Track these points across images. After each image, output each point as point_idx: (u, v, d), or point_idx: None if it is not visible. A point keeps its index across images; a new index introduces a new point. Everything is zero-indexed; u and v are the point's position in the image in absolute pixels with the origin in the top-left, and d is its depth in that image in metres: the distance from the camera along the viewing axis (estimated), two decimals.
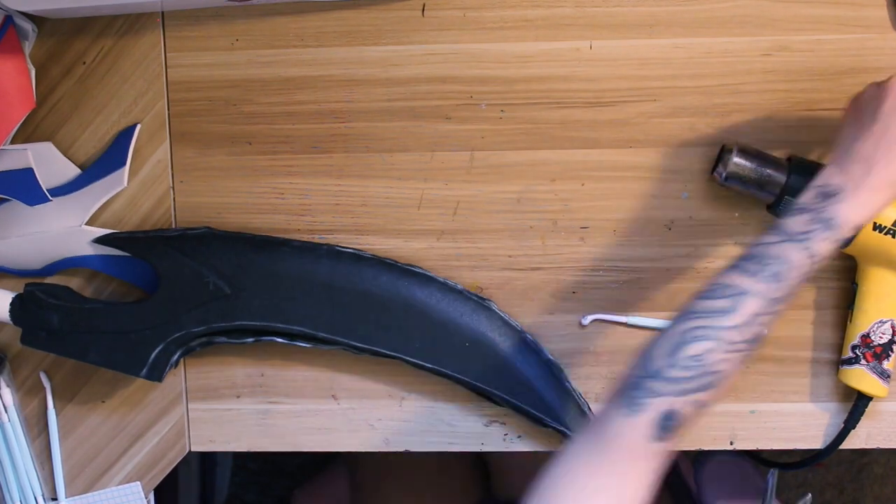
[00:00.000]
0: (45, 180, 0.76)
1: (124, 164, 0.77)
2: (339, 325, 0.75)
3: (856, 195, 0.58)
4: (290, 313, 0.75)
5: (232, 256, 0.74)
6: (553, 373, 0.75)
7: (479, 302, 0.76)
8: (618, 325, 0.79)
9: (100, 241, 0.76)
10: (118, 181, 0.77)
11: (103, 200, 0.77)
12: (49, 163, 0.78)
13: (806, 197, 0.59)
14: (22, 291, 0.76)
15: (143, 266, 0.78)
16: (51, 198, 0.74)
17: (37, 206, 0.76)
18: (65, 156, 0.79)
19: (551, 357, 0.75)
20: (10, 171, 0.75)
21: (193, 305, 0.74)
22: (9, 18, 0.74)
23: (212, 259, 0.74)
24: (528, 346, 0.75)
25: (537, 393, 0.74)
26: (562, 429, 0.75)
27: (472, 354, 0.74)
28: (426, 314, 0.74)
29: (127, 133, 0.79)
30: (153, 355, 0.75)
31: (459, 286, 0.76)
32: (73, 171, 0.79)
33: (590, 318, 0.78)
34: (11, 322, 0.76)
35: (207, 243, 0.74)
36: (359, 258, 0.76)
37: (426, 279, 0.75)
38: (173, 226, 0.80)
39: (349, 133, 0.78)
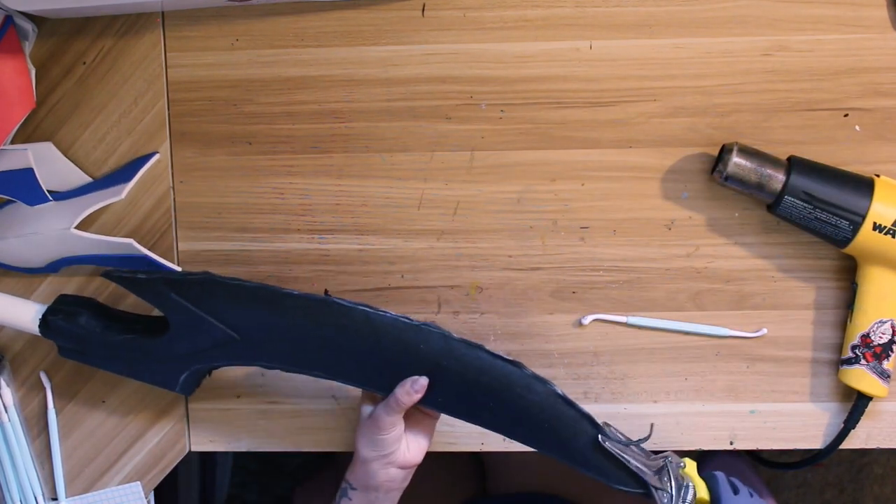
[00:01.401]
0: (45, 180, 0.76)
1: (129, 181, 0.77)
2: (358, 374, 0.71)
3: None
4: (305, 362, 0.72)
5: (234, 305, 0.71)
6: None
7: (506, 361, 0.70)
8: (618, 325, 0.79)
9: (104, 276, 0.74)
10: (117, 193, 0.76)
11: (96, 207, 0.76)
12: (49, 163, 0.79)
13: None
14: (51, 304, 0.76)
15: (141, 263, 0.78)
16: (50, 198, 0.74)
17: (33, 209, 0.76)
18: (65, 156, 0.79)
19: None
20: (11, 171, 0.75)
21: (207, 346, 0.72)
22: (9, 19, 0.74)
23: (214, 306, 0.71)
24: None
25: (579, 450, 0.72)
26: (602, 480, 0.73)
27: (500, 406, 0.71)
28: (443, 367, 0.70)
29: (144, 158, 0.79)
30: (182, 378, 0.75)
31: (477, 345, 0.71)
32: (73, 171, 0.79)
33: (590, 318, 0.78)
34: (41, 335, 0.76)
35: (209, 290, 0.71)
36: (366, 316, 0.69)
37: (440, 337, 0.69)
38: (173, 226, 0.80)
39: (349, 133, 0.78)
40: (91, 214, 0.78)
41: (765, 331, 0.78)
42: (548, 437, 0.70)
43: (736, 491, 0.72)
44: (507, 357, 0.69)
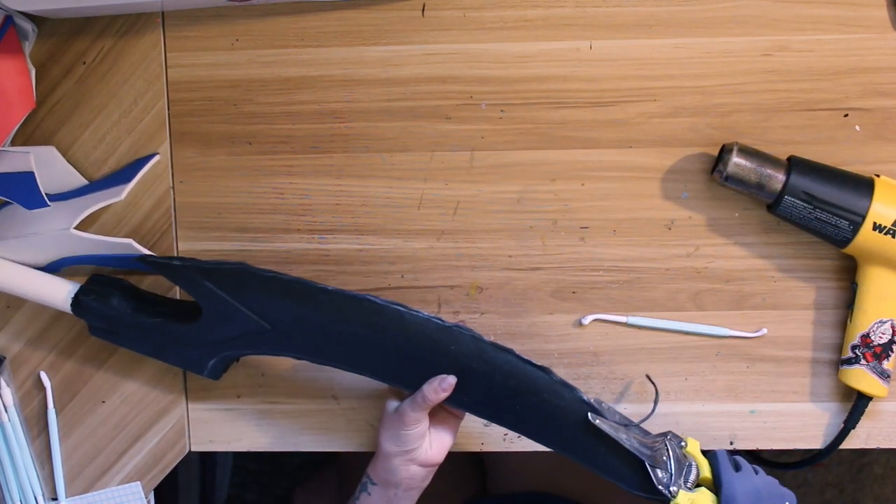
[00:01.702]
0: (46, 184, 0.76)
1: (129, 181, 0.77)
2: (387, 370, 0.72)
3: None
4: (335, 355, 0.72)
5: (267, 297, 0.72)
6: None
7: (534, 365, 0.71)
8: (618, 325, 0.79)
9: (137, 260, 0.76)
10: (116, 194, 0.77)
11: (96, 208, 0.76)
12: (51, 167, 0.78)
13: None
14: (84, 284, 0.77)
15: (129, 261, 0.78)
16: (49, 203, 0.74)
17: (32, 211, 0.76)
18: (64, 157, 0.79)
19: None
20: (11, 173, 0.75)
21: (238, 335, 0.73)
22: (9, 19, 0.74)
23: (248, 297, 0.72)
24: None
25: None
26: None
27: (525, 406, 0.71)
28: (472, 369, 0.70)
29: (144, 159, 0.79)
30: (210, 363, 0.75)
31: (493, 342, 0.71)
32: (73, 175, 0.79)
33: (590, 318, 0.78)
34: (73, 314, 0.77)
35: (243, 281, 0.72)
36: (399, 314, 0.70)
37: (471, 339, 0.70)
38: (173, 226, 0.80)
39: (349, 133, 0.78)
40: (91, 214, 0.78)
41: (765, 331, 0.78)
42: (572, 442, 0.71)
43: (738, 468, 0.71)
44: (536, 363, 0.70)
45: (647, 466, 0.69)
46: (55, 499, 0.84)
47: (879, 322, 0.73)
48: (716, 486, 0.71)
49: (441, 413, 0.73)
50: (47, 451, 0.84)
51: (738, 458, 0.73)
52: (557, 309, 0.79)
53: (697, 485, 0.71)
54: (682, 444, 0.72)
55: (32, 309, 0.82)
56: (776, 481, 0.73)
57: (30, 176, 0.73)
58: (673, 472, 0.69)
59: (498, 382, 0.70)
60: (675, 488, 0.69)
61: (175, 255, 0.80)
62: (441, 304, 0.80)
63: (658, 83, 0.76)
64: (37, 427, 0.84)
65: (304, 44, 0.78)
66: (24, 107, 0.76)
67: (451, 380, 0.69)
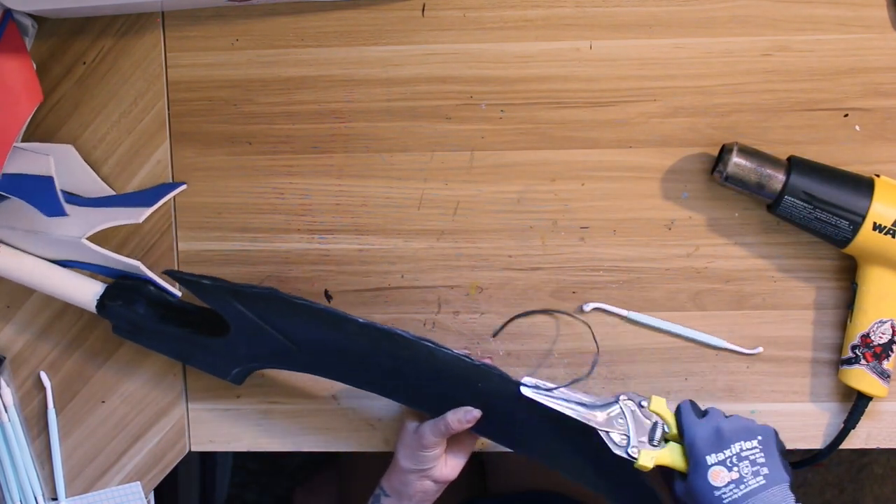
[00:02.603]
0: (62, 182, 0.74)
1: (150, 205, 0.77)
2: (412, 397, 0.74)
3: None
4: (361, 379, 0.74)
5: (297, 323, 0.73)
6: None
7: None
8: (618, 323, 0.79)
9: (166, 273, 0.76)
10: (135, 216, 0.76)
11: (111, 225, 0.76)
12: (69, 166, 0.78)
13: None
14: (109, 287, 0.77)
15: (134, 278, 0.79)
16: (67, 213, 0.73)
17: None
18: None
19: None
20: (31, 175, 0.74)
21: (266, 353, 0.74)
22: (8, 13, 0.73)
23: (276, 320, 0.73)
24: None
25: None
26: None
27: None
28: (499, 406, 0.71)
29: (170, 186, 0.79)
30: (235, 371, 0.76)
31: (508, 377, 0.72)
32: (90, 175, 0.79)
33: (591, 305, 0.78)
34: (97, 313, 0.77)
35: (273, 305, 0.73)
36: (429, 351, 0.71)
37: (498, 377, 0.71)
38: (173, 226, 0.80)
39: (349, 133, 0.78)
40: (94, 232, 0.77)
41: (760, 349, 0.78)
42: (588, 473, 0.72)
43: (703, 415, 0.71)
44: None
45: (601, 433, 0.68)
46: (55, 499, 0.84)
47: (879, 322, 0.73)
48: (680, 436, 0.69)
49: (459, 434, 0.74)
50: (47, 451, 0.84)
51: (711, 408, 0.72)
52: (557, 309, 0.79)
53: (667, 441, 0.69)
54: (644, 402, 0.70)
55: (32, 309, 0.82)
56: (750, 421, 0.71)
57: (49, 181, 0.72)
58: (631, 433, 0.68)
59: (520, 419, 0.71)
60: (634, 449, 0.68)
61: (175, 255, 0.80)
62: (441, 304, 0.80)
63: (658, 83, 0.76)
64: (37, 427, 0.84)
65: (304, 44, 0.78)
66: (33, 100, 0.75)
67: (476, 413, 0.70)
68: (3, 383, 0.83)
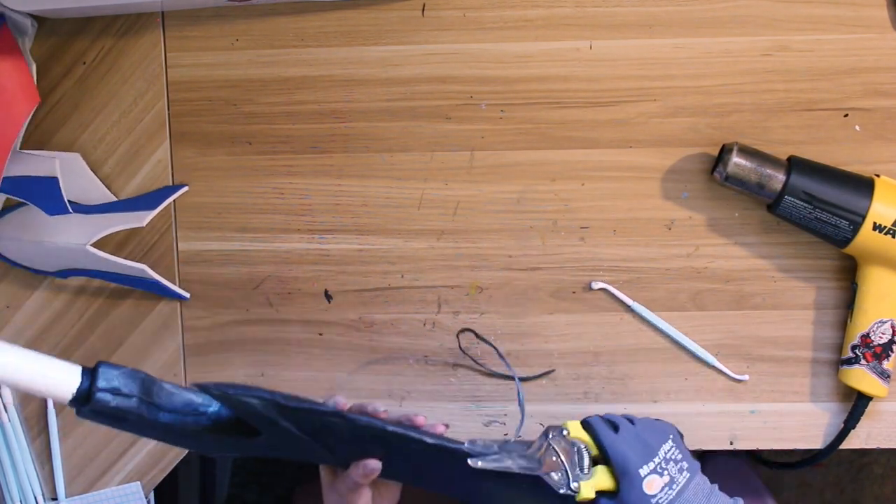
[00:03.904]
0: (67, 191, 0.74)
1: (153, 209, 0.77)
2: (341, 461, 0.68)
3: None
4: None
5: (351, 443, 0.65)
6: None
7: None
8: (618, 317, 0.79)
9: (196, 386, 0.61)
10: (138, 220, 0.76)
11: (115, 230, 0.76)
12: (74, 174, 0.78)
13: None
14: (90, 370, 0.60)
15: (152, 286, 0.79)
16: (71, 210, 0.73)
17: (51, 218, 0.76)
18: None
19: None
20: (36, 177, 0.74)
21: (295, 458, 0.66)
22: (0, 17, 0.74)
23: (331, 442, 0.65)
24: None
25: None
26: None
27: None
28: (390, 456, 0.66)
29: (172, 188, 0.79)
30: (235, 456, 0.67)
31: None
32: (96, 185, 0.79)
33: (600, 283, 0.78)
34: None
35: (331, 427, 0.64)
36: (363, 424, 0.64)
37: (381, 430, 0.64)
38: (173, 226, 0.80)
39: (349, 133, 0.78)
40: (99, 238, 0.76)
41: (747, 377, 0.78)
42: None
43: (616, 427, 0.69)
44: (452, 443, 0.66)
45: (543, 477, 0.66)
46: (55, 499, 0.84)
47: (879, 322, 0.73)
48: (602, 455, 0.68)
49: (380, 484, 0.70)
50: (47, 451, 0.84)
51: (611, 416, 0.70)
52: (557, 309, 0.79)
53: (595, 463, 0.68)
54: (564, 432, 0.68)
55: (32, 309, 0.82)
56: (653, 420, 0.70)
57: (54, 181, 0.73)
58: (567, 467, 0.67)
59: (414, 464, 0.67)
60: (575, 484, 0.66)
61: (175, 255, 0.80)
62: (441, 304, 0.80)
63: (658, 83, 0.76)
64: (37, 427, 0.84)
65: (304, 44, 0.78)
66: (29, 102, 0.75)
67: (374, 464, 0.65)
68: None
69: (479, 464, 0.65)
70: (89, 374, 0.59)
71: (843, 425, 0.77)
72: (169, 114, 0.79)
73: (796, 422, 0.79)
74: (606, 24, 0.76)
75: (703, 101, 0.76)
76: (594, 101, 0.77)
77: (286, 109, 0.79)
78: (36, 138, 0.80)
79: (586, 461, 0.67)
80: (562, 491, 0.66)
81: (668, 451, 0.68)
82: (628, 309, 0.78)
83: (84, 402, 0.58)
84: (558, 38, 0.76)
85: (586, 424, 0.69)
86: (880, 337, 0.73)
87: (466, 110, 0.77)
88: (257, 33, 0.78)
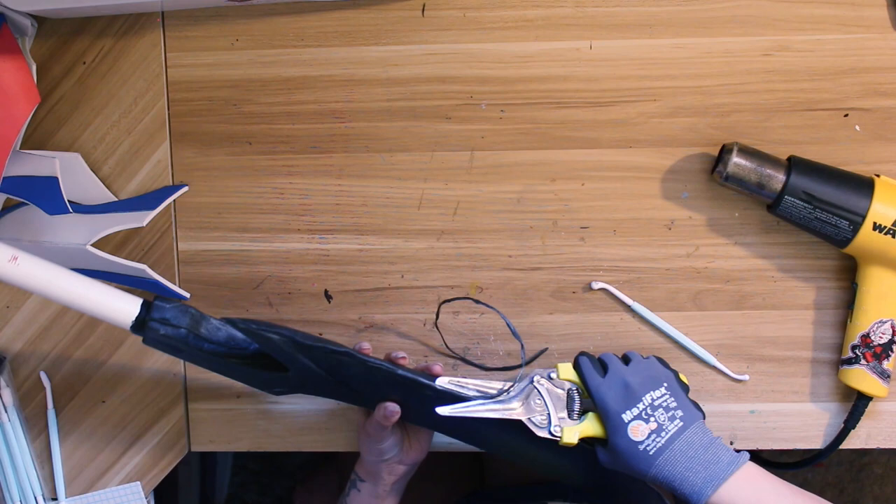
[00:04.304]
0: (67, 191, 0.75)
1: (153, 209, 0.77)
2: (363, 401, 0.74)
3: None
4: (335, 394, 0.75)
5: (357, 374, 0.70)
6: None
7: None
8: (619, 317, 0.79)
9: (226, 321, 0.69)
10: (138, 220, 0.76)
11: (115, 230, 0.76)
12: (74, 174, 0.78)
13: None
14: (152, 314, 0.67)
15: (152, 286, 0.79)
16: (71, 210, 0.73)
17: (51, 218, 0.76)
18: None
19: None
20: (36, 176, 0.75)
21: (315, 392, 0.74)
22: (0, 17, 0.74)
23: (344, 374, 0.70)
24: None
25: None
26: None
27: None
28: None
29: (172, 188, 0.79)
30: (278, 391, 0.73)
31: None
32: (96, 185, 0.79)
33: (599, 284, 0.78)
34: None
35: (345, 363, 0.69)
36: (379, 369, 0.70)
37: (418, 384, 0.70)
38: (173, 226, 0.80)
39: (349, 133, 0.79)
40: (99, 238, 0.77)
41: (747, 377, 0.78)
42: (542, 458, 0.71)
43: (605, 368, 0.68)
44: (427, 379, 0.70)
45: (524, 421, 0.66)
46: (55, 499, 0.84)
47: (879, 322, 0.73)
48: (590, 398, 0.67)
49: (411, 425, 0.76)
50: (47, 451, 0.84)
51: (606, 356, 0.70)
52: (557, 309, 0.79)
53: (587, 412, 0.67)
54: (553, 374, 0.68)
55: (32, 309, 0.82)
56: (652, 363, 0.70)
57: (54, 181, 0.73)
58: (551, 410, 0.67)
59: (429, 409, 0.69)
60: (557, 427, 0.66)
61: (175, 255, 0.80)
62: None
63: (658, 83, 0.76)
64: (37, 427, 0.84)
65: (304, 44, 0.78)
66: (30, 102, 0.75)
67: (394, 407, 0.71)
68: (3, 383, 0.83)
69: (447, 411, 0.66)
70: (146, 306, 0.67)
71: (843, 425, 0.77)
72: (169, 114, 0.79)
73: (796, 422, 0.79)
74: (606, 24, 0.76)
75: (703, 101, 0.76)
76: (594, 101, 0.77)
77: (286, 109, 0.79)
78: (36, 138, 0.80)
79: (577, 405, 0.67)
80: (541, 434, 0.66)
81: (659, 398, 0.67)
82: (628, 309, 0.78)
83: (139, 329, 0.67)
84: (558, 38, 0.76)
85: (576, 367, 0.69)
86: (880, 337, 0.73)
87: (466, 110, 0.77)
88: (257, 33, 0.78)
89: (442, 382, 0.69)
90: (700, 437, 0.66)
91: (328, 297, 0.80)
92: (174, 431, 0.83)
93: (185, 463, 0.86)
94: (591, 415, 0.68)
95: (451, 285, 0.79)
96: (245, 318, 0.69)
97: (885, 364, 0.74)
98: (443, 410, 0.66)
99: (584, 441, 0.68)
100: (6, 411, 0.83)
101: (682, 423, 0.66)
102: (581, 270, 0.79)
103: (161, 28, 0.78)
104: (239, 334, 0.70)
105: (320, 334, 0.80)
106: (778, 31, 0.75)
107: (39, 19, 0.78)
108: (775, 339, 0.78)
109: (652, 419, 0.66)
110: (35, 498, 0.84)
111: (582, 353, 0.70)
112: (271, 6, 0.77)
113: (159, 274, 0.79)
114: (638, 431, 0.65)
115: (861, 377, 0.74)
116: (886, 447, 0.79)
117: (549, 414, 0.67)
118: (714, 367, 0.78)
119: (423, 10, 0.77)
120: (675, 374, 0.70)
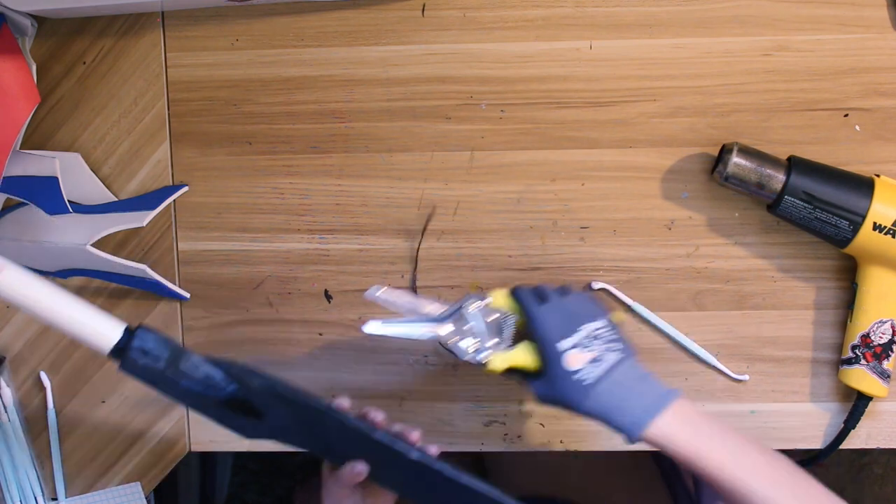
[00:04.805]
0: (67, 191, 0.75)
1: (153, 209, 0.77)
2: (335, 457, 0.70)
3: None
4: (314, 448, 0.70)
5: (336, 440, 0.67)
6: None
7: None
8: (619, 316, 0.79)
9: (208, 359, 0.65)
10: (138, 220, 0.76)
11: (115, 230, 0.76)
12: (74, 174, 0.78)
13: None
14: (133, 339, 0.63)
15: (152, 286, 0.79)
16: (71, 210, 0.74)
17: (51, 218, 0.76)
18: None
19: None
20: (36, 176, 0.75)
21: (294, 445, 0.69)
22: (0, 17, 0.74)
23: (317, 429, 0.67)
24: None
25: None
26: None
27: None
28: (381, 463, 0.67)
29: (172, 188, 0.79)
30: (251, 435, 0.69)
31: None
32: (97, 185, 0.79)
33: (599, 284, 0.78)
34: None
35: (321, 420, 0.66)
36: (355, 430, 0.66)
37: (387, 448, 0.66)
38: (173, 226, 0.80)
39: (349, 133, 0.79)
40: (99, 238, 0.77)
41: (747, 377, 0.78)
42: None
43: (544, 298, 0.67)
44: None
45: (447, 346, 0.64)
46: (55, 499, 0.84)
47: (879, 322, 0.73)
48: (529, 325, 0.66)
49: (374, 488, 0.71)
50: (47, 451, 0.84)
51: (543, 287, 0.69)
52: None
53: (521, 336, 0.66)
54: (488, 300, 0.67)
55: None
56: (586, 298, 0.69)
57: (54, 181, 0.73)
58: (483, 335, 0.65)
59: (403, 476, 0.67)
60: (483, 354, 0.65)
61: (175, 255, 0.80)
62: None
63: (658, 83, 0.76)
64: (37, 427, 0.84)
65: (304, 44, 0.78)
66: (30, 102, 0.75)
67: (361, 467, 0.67)
68: (3, 383, 0.83)
69: (375, 327, 0.64)
70: (129, 333, 0.63)
71: (843, 425, 0.77)
72: (169, 114, 0.79)
73: (796, 422, 0.79)
74: (606, 24, 0.76)
75: (703, 101, 0.76)
76: (594, 101, 0.77)
77: (286, 109, 0.79)
78: (36, 138, 0.80)
79: (507, 332, 0.65)
80: (466, 359, 0.65)
81: (599, 328, 0.66)
82: (628, 309, 0.78)
83: (118, 354, 0.63)
84: (558, 38, 0.76)
85: (514, 295, 0.68)
86: (880, 337, 0.73)
87: (466, 110, 0.77)
88: (257, 33, 0.78)
89: (373, 328, 0.65)
90: (636, 370, 0.65)
91: (328, 297, 0.80)
92: (174, 431, 0.83)
93: (185, 463, 0.86)
94: (523, 344, 0.66)
95: (452, 285, 0.79)
96: (228, 358, 0.65)
97: (885, 364, 0.74)
98: (370, 327, 0.64)
99: (514, 372, 0.66)
100: (6, 411, 0.83)
101: (620, 355, 0.65)
102: (581, 270, 0.79)
103: (161, 28, 0.78)
104: (217, 375, 0.65)
105: (320, 335, 0.80)
106: (778, 31, 0.75)
107: (39, 19, 0.78)
108: (775, 339, 0.78)
109: (590, 349, 0.65)
110: (35, 498, 0.84)
111: (518, 286, 0.68)
112: (271, 6, 0.77)
113: (159, 274, 0.79)
114: (575, 360, 0.64)
115: (861, 377, 0.74)
116: (886, 447, 0.79)
117: (480, 339, 0.65)
118: (714, 368, 0.78)
119: (423, 10, 0.77)
120: (605, 314, 0.69)
